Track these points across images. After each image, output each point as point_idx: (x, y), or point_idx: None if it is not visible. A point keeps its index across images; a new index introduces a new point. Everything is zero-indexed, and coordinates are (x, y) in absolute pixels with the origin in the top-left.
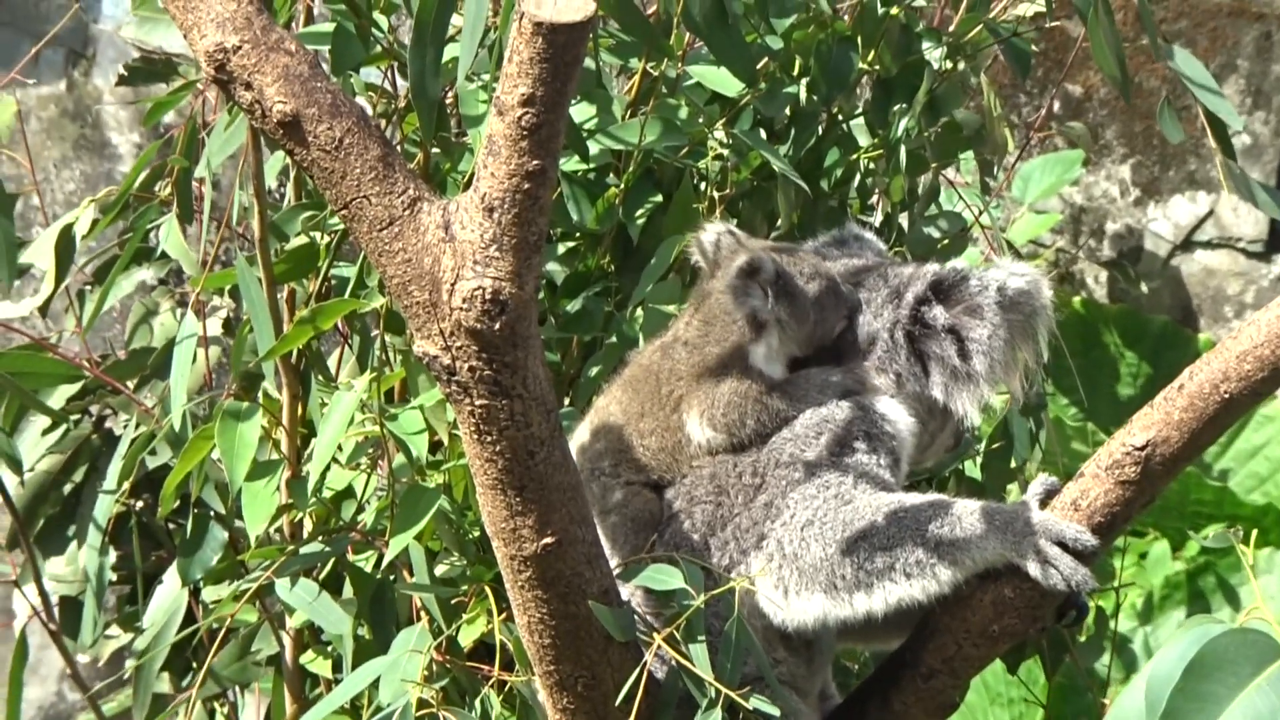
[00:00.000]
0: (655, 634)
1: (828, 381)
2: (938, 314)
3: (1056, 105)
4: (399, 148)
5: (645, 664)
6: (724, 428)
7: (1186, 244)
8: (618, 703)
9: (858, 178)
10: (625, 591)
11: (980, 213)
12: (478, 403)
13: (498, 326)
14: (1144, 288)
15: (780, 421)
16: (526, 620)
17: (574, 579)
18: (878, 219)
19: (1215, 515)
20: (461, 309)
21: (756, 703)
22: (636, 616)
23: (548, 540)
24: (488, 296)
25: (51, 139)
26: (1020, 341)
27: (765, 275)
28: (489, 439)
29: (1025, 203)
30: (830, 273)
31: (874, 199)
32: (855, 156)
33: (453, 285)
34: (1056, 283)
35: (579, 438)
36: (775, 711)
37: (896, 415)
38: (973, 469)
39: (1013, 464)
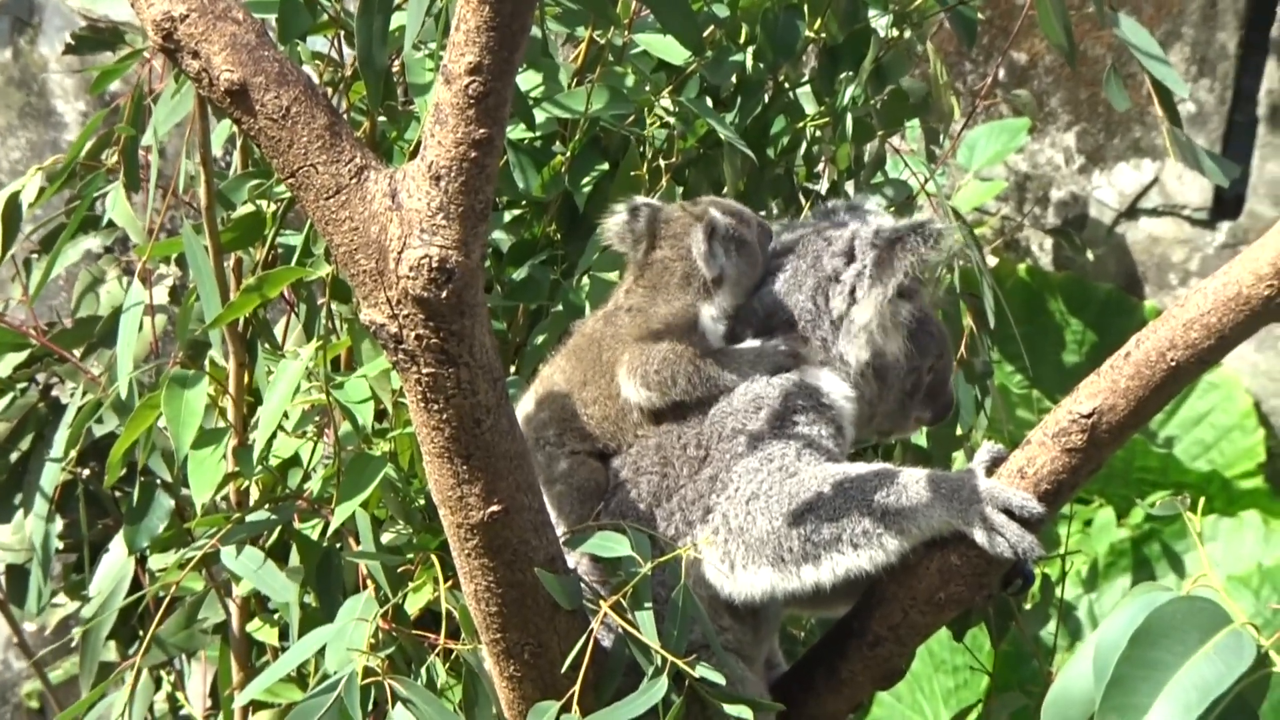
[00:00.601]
0: (602, 602)
1: (761, 353)
2: (837, 267)
3: (1001, 73)
4: (346, 116)
5: (591, 631)
6: (656, 385)
7: (1131, 212)
8: (564, 670)
9: (804, 146)
10: (571, 559)
11: (926, 180)
12: (424, 371)
13: (444, 295)
14: (1090, 255)
15: (711, 388)
16: (473, 588)
17: (521, 547)
18: (824, 187)
19: (1160, 482)
20: (408, 277)
21: (703, 671)
22: (583, 585)
23: (494, 508)
24: (434, 265)
25: None
26: (884, 275)
27: (721, 233)
28: (436, 407)
29: (971, 170)
30: (743, 208)
31: (820, 167)
32: (801, 125)
33: (399, 253)
34: (1002, 250)
35: (524, 408)
36: (721, 680)
37: (829, 385)
38: (919, 437)
39: (959, 431)
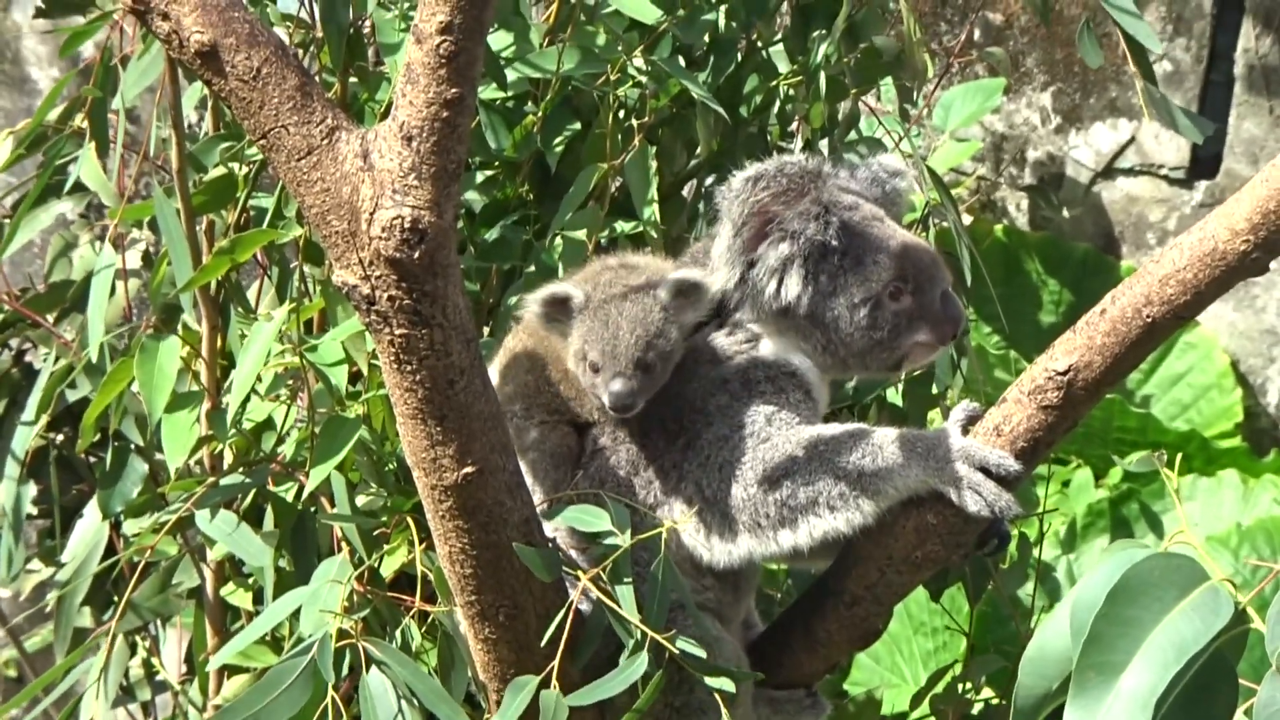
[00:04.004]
0: (581, 573)
1: (717, 349)
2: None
3: (977, 33)
4: (317, 78)
5: (571, 604)
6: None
7: (1108, 171)
8: (544, 643)
9: (777, 104)
10: (549, 526)
11: (900, 139)
12: (397, 332)
13: (417, 255)
14: (1065, 213)
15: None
16: (448, 550)
17: (495, 508)
18: (798, 146)
19: (1138, 442)
20: (380, 238)
21: (683, 644)
22: (561, 554)
23: (468, 469)
24: (406, 225)
25: None
26: (723, 229)
27: (577, 302)
28: (409, 368)
29: (947, 131)
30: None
31: (794, 125)
32: (775, 83)
33: (371, 214)
34: (979, 210)
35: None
36: (701, 653)
37: (782, 353)
38: (894, 396)
39: (934, 390)
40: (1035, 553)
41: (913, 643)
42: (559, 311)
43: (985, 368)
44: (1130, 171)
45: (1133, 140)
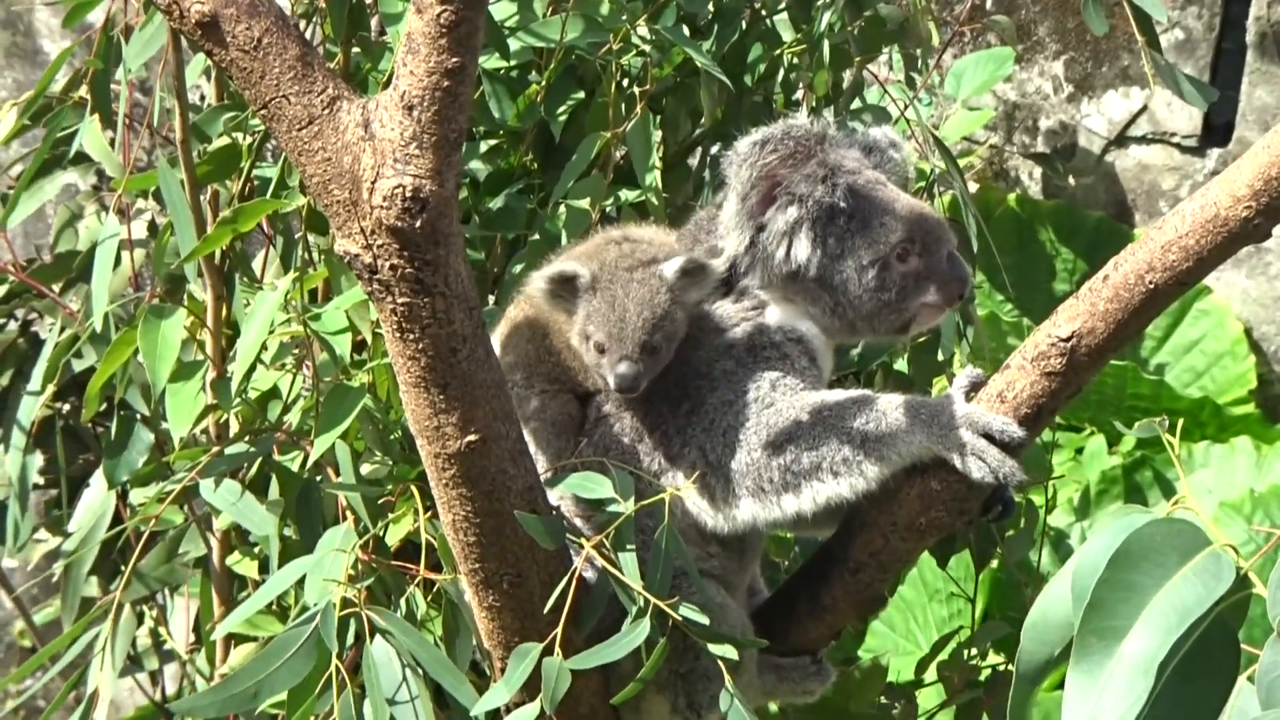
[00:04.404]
0: (584, 540)
1: (725, 315)
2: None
3: (989, 2)
4: (320, 48)
5: (574, 571)
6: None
7: (1121, 139)
8: (547, 610)
9: (781, 73)
10: (553, 495)
11: (905, 107)
12: (400, 301)
13: (418, 224)
14: (1071, 181)
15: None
16: (451, 518)
17: (498, 476)
18: (803, 114)
19: (1152, 409)
20: (382, 207)
21: (686, 612)
22: (565, 521)
23: (471, 437)
24: (408, 194)
25: None
26: (731, 194)
27: (583, 281)
28: (411, 337)
29: (958, 99)
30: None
31: (798, 94)
32: (779, 52)
33: (373, 183)
34: (991, 179)
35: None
36: (705, 620)
37: (789, 319)
38: (901, 364)
39: (940, 358)
40: (1042, 519)
41: (928, 610)
42: (565, 289)
43: (998, 336)
44: (1143, 140)
45: (1145, 108)
